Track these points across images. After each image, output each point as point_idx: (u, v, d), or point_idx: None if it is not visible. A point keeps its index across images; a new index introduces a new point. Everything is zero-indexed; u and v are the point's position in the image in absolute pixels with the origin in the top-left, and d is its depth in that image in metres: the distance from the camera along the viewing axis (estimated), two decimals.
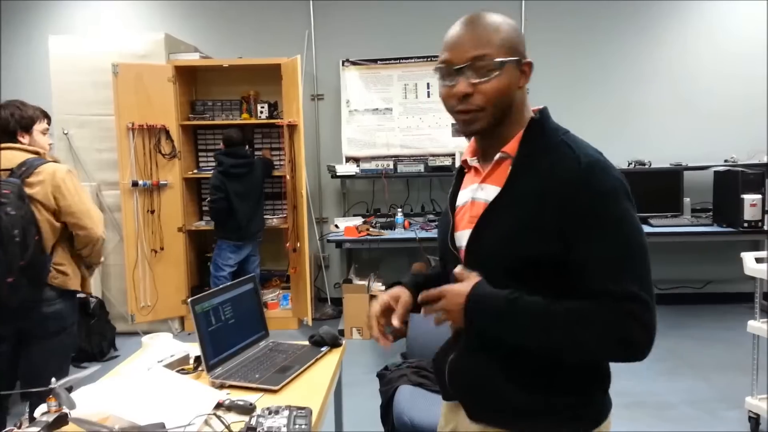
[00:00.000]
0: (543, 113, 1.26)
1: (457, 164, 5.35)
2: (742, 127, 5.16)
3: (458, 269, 1.22)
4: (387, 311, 1.35)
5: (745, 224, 4.37)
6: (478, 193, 1.27)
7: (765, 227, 4.40)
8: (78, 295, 2.67)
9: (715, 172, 4.77)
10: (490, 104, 1.16)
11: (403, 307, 1.33)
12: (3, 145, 2.45)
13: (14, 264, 2.24)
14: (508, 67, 1.16)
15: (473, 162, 1.32)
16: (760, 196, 4.36)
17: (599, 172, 1.14)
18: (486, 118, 1.18)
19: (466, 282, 1.19)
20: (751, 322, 2.98)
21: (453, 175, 1.42)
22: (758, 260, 2.97)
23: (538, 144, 1.20)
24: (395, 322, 1.30)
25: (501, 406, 1.23)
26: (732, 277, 4.89)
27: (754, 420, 3.02)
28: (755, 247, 4.98)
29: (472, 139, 1.33)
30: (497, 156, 1.23)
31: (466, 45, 1.15)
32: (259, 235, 4.84)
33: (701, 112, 5.23)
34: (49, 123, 2.63)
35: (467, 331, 1.23)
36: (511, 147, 1.22)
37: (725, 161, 5.00)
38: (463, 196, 1.32)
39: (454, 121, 4.79)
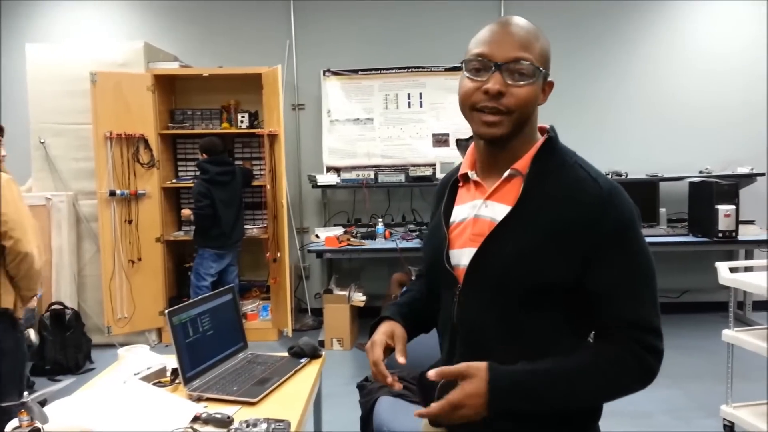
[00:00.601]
0: (555, 132, 1.23)
1: (439, 174, 5.30)
2: (716, 138, 5.27)
3: (432, 374, 1.10)
4: (386, 350, 1.29)
5: (720, 234, 4.45)
6: (482, 210, 1.20)
7: (739, 237, 4.49)
8: (20, 313, 2.47)
9: (690, 183, 4.86)
10: (519, 109, 1.13)
11: (402, 342, 1.28)
12: None
13: None
14: (539, 78, 1.15)
15: (474, 176, 1.25)
16: (733, 207, 4.45)
17: (620, 199, 1.13)
18: (509, 124, 1.13)
19: (473, 380, 1.08)
20: (725, 331, 3.02)
21: (443, 187, 1.36)
22: (732, 270, 3.03)
23: (551, 163, 1.17)
24: (401, 359, 1.23)
25: None
26: (708, 287, 4.96)
27: (729, 428, 3.07)
28: (729, 256, 5.08)
29: (470, 151, 1.29)
30: (507, 173, 1.18)
31: (511, 44, 1.12)
32: (239, 244, 4.82)
33: (676, 123, 5.32)
34: (1, 135, 2.56)
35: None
36: (523, 164, 1.17)
37: (700, 172, 5.10)
38: (461, 212, 1.25)
39: (435, 132, 4.70)
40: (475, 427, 1.15)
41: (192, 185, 4.64)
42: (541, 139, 1.21)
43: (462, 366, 1.09)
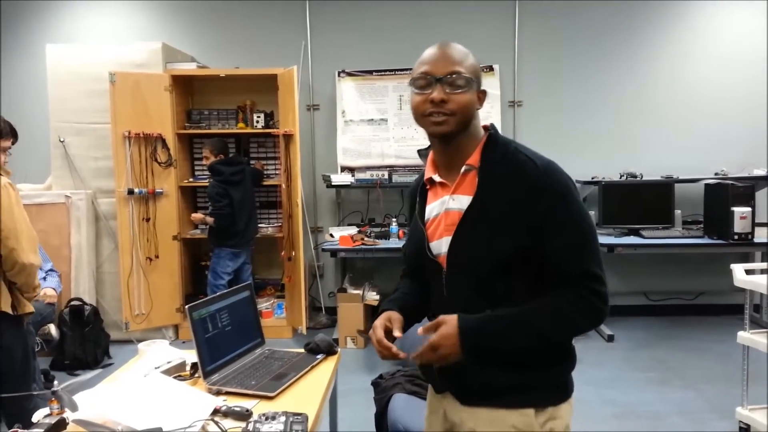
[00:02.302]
0: (495, 128, 1.45)
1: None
2: (732, 140, 5.23)
3: (421, 330, 1.34)
4: (387, 332, 1.46)
5: (736, 236, 4.42)
6: (450, 203, 1.41)
7: (755, 239, 4.46)
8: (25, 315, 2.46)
9: (705, 184, 4.82)
10: (460, 112, 1.35)
11: (398, 321, 1.47)
12: None
13: None
14: (473, 86, 1.37)
15: (438, 178, 1.46)
16: (749, 209, 4.41)
17: (555, 173, 1.35)
18: (454, 123, 1.35)
19: (447, 324, 1.32)
20: (740, 333, 3.01)
21: (412, 193, 1.56)
22: (748, 272, 3.01)
23: (496, 154, 1.39)
24: (397, 333, 1.42)
25: (485, 388, 1.38)
26: (723, 289, 4.93)
27: (745, 430, 3.05)
28: (745, 259, 5.05)
29: (430, 158, 1.50)
30: (463, 169, 1.40)
31: (446, 61, 1.36)
32: (253, 242, 4.87)
33: (692, 125, 5.29)
34: (12, 142, 2.55)
35: (467, 357, 1.34)
36: (474, 159, 1.40)
37: (715, 174, 5.06)
38: (434, 209, 1.46)
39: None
40: (476, 382, 1.38)
41: (207, 185, 4.69)
42: (484, 136, 1.43)
43: (438, 318, 1.34)
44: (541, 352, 1.36)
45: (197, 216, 4.77)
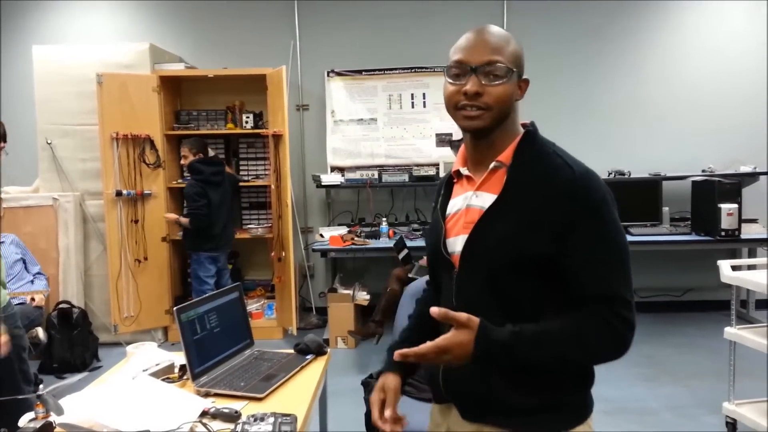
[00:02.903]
0: (534, 126, 1.33)
1: (442, 174, 5.41)
2: (719, 137, 5.28)
3: (435, 311, 1.17)
4: (383, 405, 1.36)
5: (723, 233, 4.47)
6: (473, 200, 1.31)
7: (741, 236, 4.50)
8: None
9: (693, 182, 4.87)
10: (496, 105, 1.23)
11: (391, 393, 1.36)
12: None
13: None
14: (513, 77, 1.25)
15: (465, 171, 1.36)
16: (736, 206, 4.46)
17: (592, 182, 1.23)
18: (488, 118, 1.24)
19: (467, 331, 1.16)
20: (727, 329, 3.04)
21: (440, 185, 1.46)
22: (734, 268, 3.04)
23: (531, 154, 1.27)
24: (387, 413, 1.31)
25: (495, 405, 1.28)
26: (710, 285, 4.97)
27: (731, 425, 3.08)
28: (732, 255, 5.10)
29: (461, 149, 1.39)
30: (492, 165, 1.29)
31: (483, 49, 1.23)
32: (231, 245, 4.79)
33: (680, 122, 5.33)
34: (3, 140, 2.49)
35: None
36: (506, 156, 1.28)
37: (703, 171, 5.11)
38: (456, 204, 1.36)
39: (438, 132, 4.78)
40: (482, 398, 1.28)
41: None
42: (521, 133, 1.31)
43: (463, 316, 1.16)
44: (557, 372, 1.25)
45: (171, 216, 4.64)
